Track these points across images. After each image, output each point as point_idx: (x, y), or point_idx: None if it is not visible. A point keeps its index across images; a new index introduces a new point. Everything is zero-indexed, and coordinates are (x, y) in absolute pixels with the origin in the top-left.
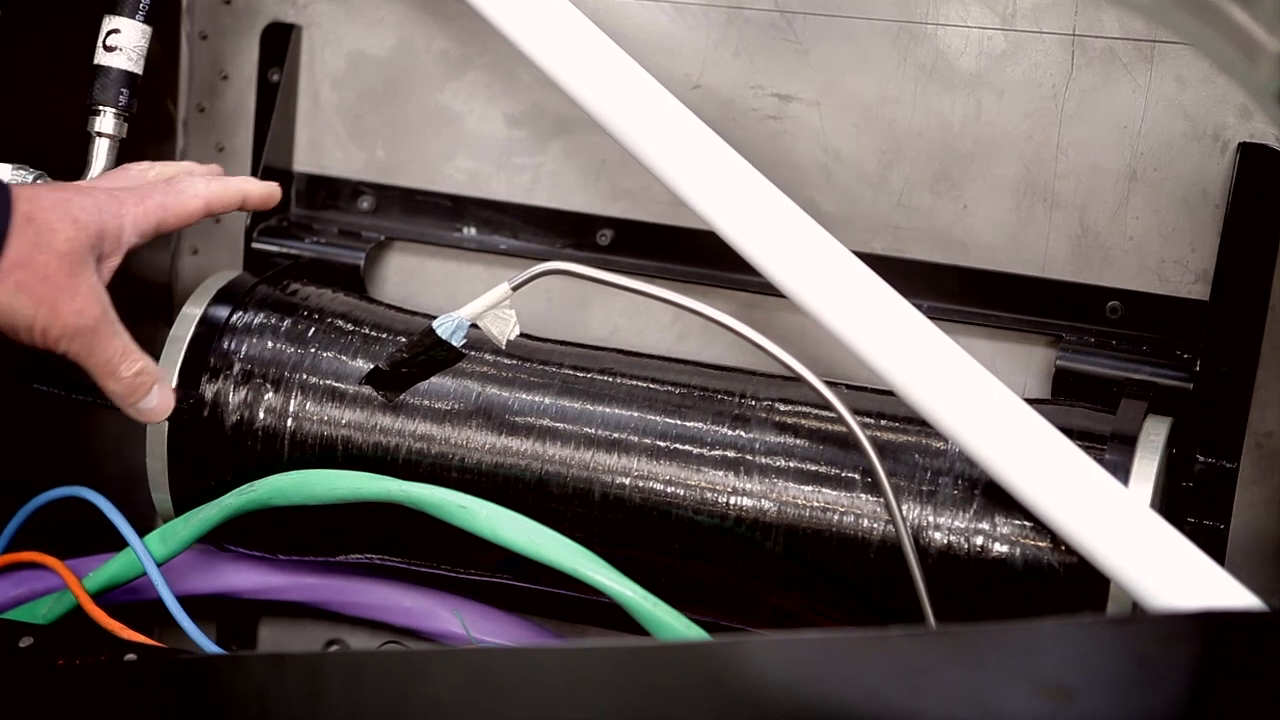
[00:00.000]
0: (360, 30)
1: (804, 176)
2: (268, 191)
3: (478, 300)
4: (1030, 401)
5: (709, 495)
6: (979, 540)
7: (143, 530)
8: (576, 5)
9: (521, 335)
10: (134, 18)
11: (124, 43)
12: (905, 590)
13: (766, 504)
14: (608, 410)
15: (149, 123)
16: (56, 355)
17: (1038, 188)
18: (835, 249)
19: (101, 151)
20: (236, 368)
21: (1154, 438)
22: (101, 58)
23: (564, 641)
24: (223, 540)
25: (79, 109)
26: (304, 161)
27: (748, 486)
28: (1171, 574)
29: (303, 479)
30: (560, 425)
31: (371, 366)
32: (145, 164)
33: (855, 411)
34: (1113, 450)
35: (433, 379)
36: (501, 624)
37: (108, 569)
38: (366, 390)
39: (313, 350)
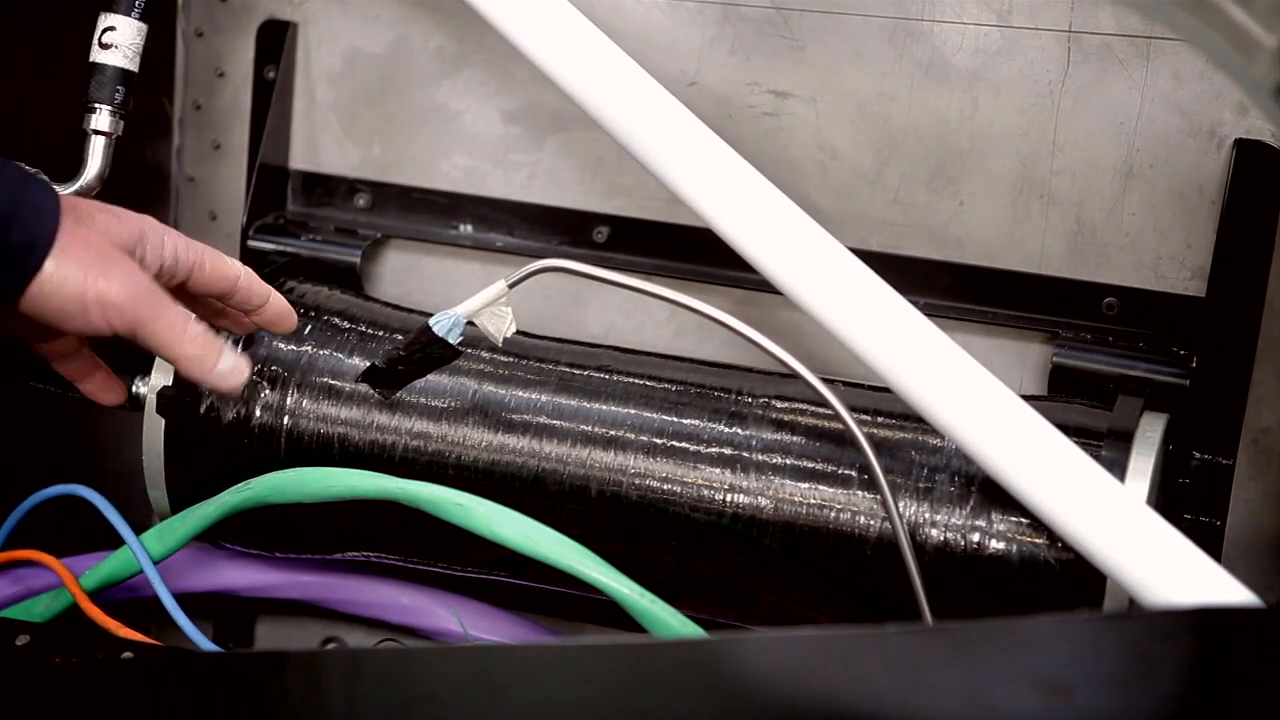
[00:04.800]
0: (356, 27)
1: (800, 173)
2: (287, 309)
3: (474, 297)
4: (1027, 398)
5: (705, 492)
6: (976, 537)
7: (139, 528)
8: (573, 2)
9: (518, 332)
10: (130, 15)
11: (120, 40)
12: (902, 587)
13: (763, 501)
14: (604, 407)
15: (145, 120)
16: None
17: (1034, 184)
18: (832, 246)
19: (97, 149)
20: None
21: (1150, 434)
22: (97, 55)
23: (561, 639)
24: (219, 538)
25: (75, 107)
26: (300, 159)
27: (744, 484)
28: (1168, 570)
29: (299, 477)
30: (557, 423)
31: (368, 364)
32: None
33: (852, 408)
34: (1109, 447)
35: (429, 376)
36: (498, 621)
37: (104, 567)
38: (363, 388)
39: (309, 348)
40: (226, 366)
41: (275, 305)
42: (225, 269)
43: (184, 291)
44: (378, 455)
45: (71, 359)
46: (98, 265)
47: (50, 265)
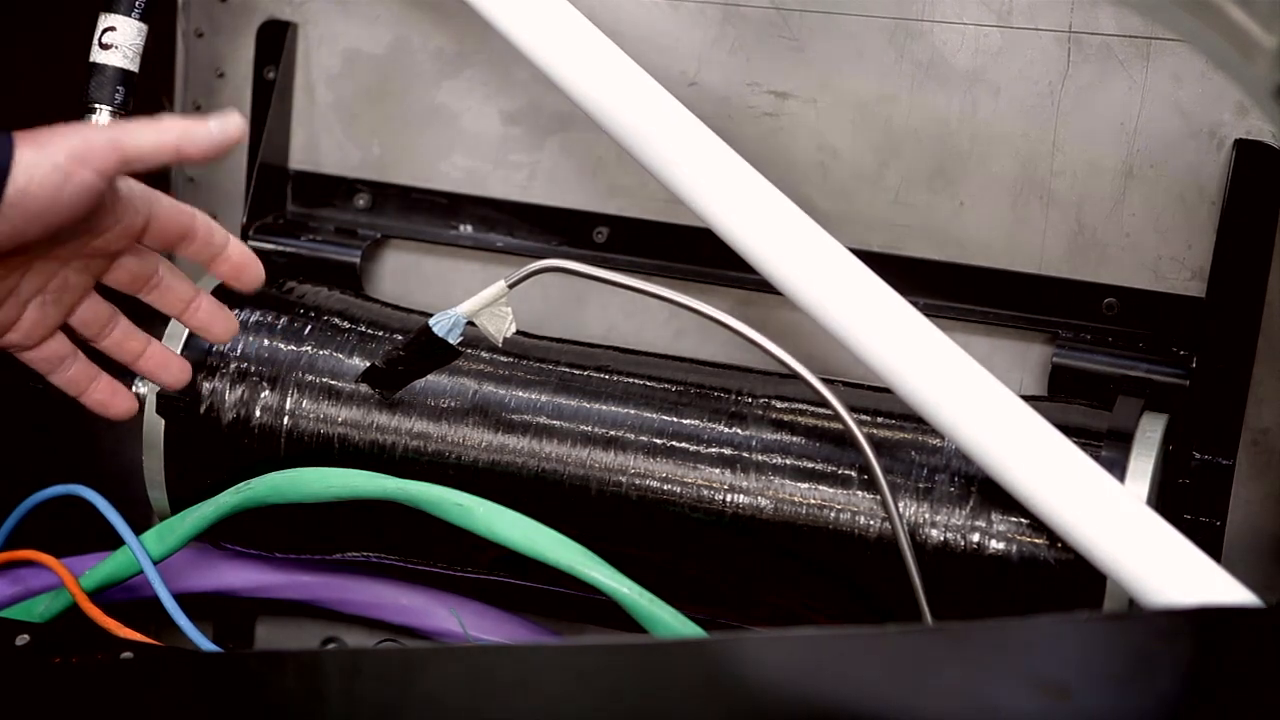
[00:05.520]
0: (356, 28)
1: (800, 174)
2: (251, 257)
3: (474, 298)
4: (1027, 399)
5: (705, 493)
6: (975, 537)
7: (139, 528)
8: (573, 2)
9: (518, 333)
10: (130, 15)
11: (120, 40)
12: (902, 587)
13: (763, 501)
14: (604, 408)
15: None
16: None
17: (1034, 185)
18: (832, 246)
19: None
20: (232, 366)
21: (1150, 434)
22: (97, 55)
23: (561, 639)
24: (219, 538)
25: (75, 107)
26: (300, 159)
27: (744, 484)
28: (1168, 570)
29: (299, 477)
30: (557, 423)
31: (368, 364)
32: None
33: (852, 409)
34: (1109, 447)
35: (429, 377)
36: (498, 622)
37: (104, 567)
38: (363, 388)
39: (309, 348)
40: (216, 123)
41: (237, 249)
42: (182, 205)
43: (140, 248)
44: (378, 455)
45: (66, 365)
46: (47, 137)
47: (18, 170)
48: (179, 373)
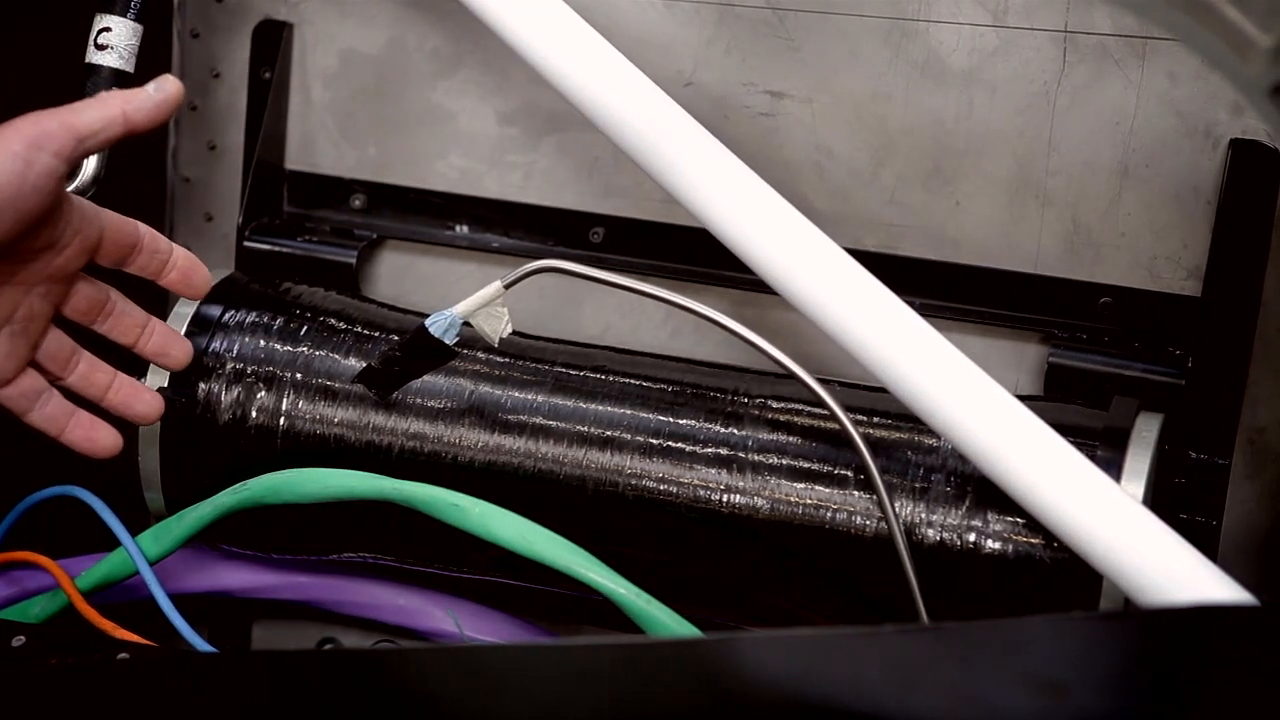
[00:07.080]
0: (352, 28)
1: (796, 174)
2: (196, 261)
3: (470, 298)
4: (1023, 398)
5: (702, 493)
6: (971, 537)
7: (136, 529)
8: (568, 2)
9: (514, 333)
10: (125, 16)
11: (115, 41)
12: (898, 587)
13: (759, 501)
14: (600, 408)
15: None
16: None
17: (1030, 184)
18: (828, 246)
19: None
20: (229, 366)
21: (1146, 434)
22: (93, 56)
23: (557, 639)
24: (216, 539)
25: None
26: (296, 160)
27: (740, 484)
28: (1164, 570)
29: (295, 477)
30: (553, 423)
31: (364, 365)
32: None
33: (848, 409)
34: (1105, 447)
35: (425, 377)
36: (495, 623)
37: (100, 568)
38: (359, 389)
39: (305, 349)
40: (154, 87)
41: (183, 256)
42: (127, 218)
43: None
44: (374, 456)
45: (43, 401)
46: (1, 130)
47: None
48: (151, 403)
